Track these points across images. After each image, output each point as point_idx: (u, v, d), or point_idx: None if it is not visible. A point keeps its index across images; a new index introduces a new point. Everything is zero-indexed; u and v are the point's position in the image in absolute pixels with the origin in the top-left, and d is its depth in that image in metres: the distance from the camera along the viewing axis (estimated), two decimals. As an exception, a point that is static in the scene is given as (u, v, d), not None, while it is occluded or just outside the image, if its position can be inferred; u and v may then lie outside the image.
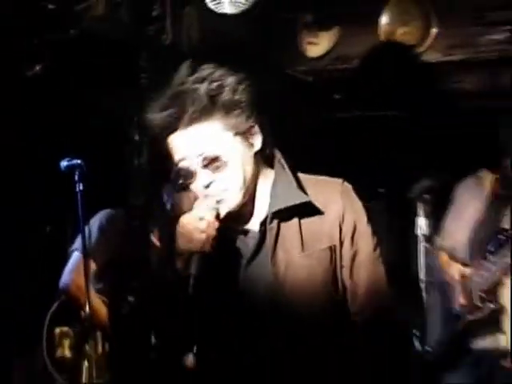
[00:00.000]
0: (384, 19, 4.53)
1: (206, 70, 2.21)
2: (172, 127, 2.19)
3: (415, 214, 3.31)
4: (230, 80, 2.20)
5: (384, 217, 4.24)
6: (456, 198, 3.90)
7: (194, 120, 2.18)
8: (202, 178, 2.23)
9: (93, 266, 3.75)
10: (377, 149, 4.65)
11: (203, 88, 2.18)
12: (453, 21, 4.42)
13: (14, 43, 3.97)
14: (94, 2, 3.88)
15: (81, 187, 3.27)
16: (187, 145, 2.22)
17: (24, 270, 4.35)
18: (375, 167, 4.53)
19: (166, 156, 2.31)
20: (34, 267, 4.33)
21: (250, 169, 2.28)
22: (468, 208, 3.84)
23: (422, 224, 3.22)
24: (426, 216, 3.18)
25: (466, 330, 3.76)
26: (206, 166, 2.21)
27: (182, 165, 2.26)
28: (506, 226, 3.68)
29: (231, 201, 2.26)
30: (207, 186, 2.23)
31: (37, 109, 4.25)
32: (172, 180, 2.36)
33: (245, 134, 2.24)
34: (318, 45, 4.71)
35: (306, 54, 4.73)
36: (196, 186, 2.26)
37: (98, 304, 3.88)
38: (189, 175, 2.26)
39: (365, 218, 2.34)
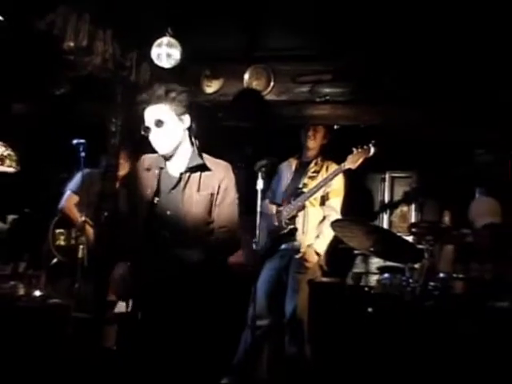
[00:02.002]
0: (246, 76, 5.51)
1: (169, 86, 3.10)
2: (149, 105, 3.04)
3: (257, 179, 3.68)
4: (178, 89, 3.11)
5: (240, 180, 4.00)
6: (278, 171, 5.37)
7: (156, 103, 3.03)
8: (153, 130, 3.09)
9: (77, 198, 5.15)
10: (234, 142, 5.32)
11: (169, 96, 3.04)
12: (280, 80, 5.43)
13: (49, 77, 5.15)
14: (94, 57, 4.61)
15: (83, 154, 4.83)
16: (150, 114, 3.09)
17: (48, 195, 5.69)
18: (237, 152, 5.11)
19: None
20: (53, 195, 5.57)
21: (179, 133, 3.09)
22: (283, 177, 5.32)
23: (260, 185, 3.64)
24: (263, 179, 3.63)
25: (278, 239, 5.18)
26: (156, 125, 3.07)
27: (146, 124, 3.06)
28: (300, 186, 5.13)
29: (163, 146, 3.06)
30: (154, 135, 3.08)
31: (63, 115, 5.61)
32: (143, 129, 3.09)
33: (179, 115, 3.10)
34: (212, 87, 5.60)
35: (205, 91, 5.61)
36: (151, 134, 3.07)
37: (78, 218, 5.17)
38: (148, 128, 3.11)
39: (233, 184, 3.19)
